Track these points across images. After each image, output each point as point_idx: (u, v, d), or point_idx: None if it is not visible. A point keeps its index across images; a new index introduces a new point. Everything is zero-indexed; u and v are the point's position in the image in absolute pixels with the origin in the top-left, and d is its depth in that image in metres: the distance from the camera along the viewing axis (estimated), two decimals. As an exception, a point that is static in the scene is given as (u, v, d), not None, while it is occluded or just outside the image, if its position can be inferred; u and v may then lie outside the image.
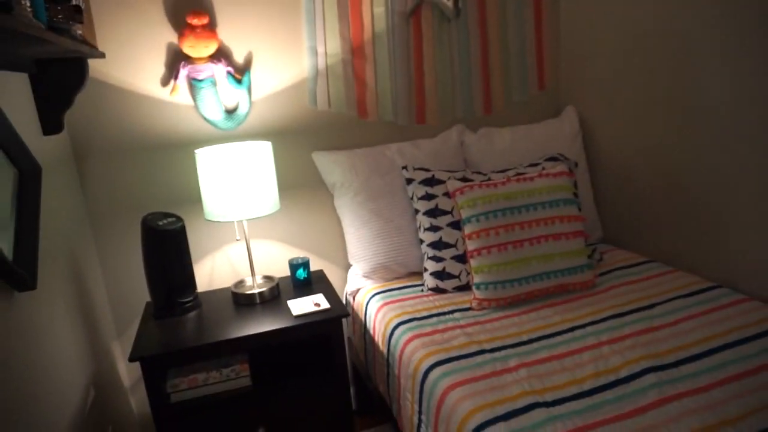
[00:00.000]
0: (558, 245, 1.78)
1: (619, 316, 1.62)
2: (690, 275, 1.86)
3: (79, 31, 1.41)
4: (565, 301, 1.76)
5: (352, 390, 2.33)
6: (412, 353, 1.56)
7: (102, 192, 1.93)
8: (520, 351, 1.48)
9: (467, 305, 1.78)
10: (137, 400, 2.13)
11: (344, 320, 2.14)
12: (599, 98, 2.25)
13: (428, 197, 1.93)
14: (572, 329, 1.57)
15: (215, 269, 2.10)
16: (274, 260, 2.15)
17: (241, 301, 1.85)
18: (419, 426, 1.49)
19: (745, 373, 1.30)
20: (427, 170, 1.99)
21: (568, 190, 1.87)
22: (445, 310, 1.76)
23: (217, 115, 1.97)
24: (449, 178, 1.92)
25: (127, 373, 2.10)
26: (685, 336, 1.49)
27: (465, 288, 1.87)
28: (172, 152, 1.97)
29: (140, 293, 1.98)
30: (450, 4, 2.14)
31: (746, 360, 1.35)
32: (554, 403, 1.25)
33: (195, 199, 1.98)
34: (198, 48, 1.86)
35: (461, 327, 1.64)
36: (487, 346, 1.52)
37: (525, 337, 1.55)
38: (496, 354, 1.48)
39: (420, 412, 1.48)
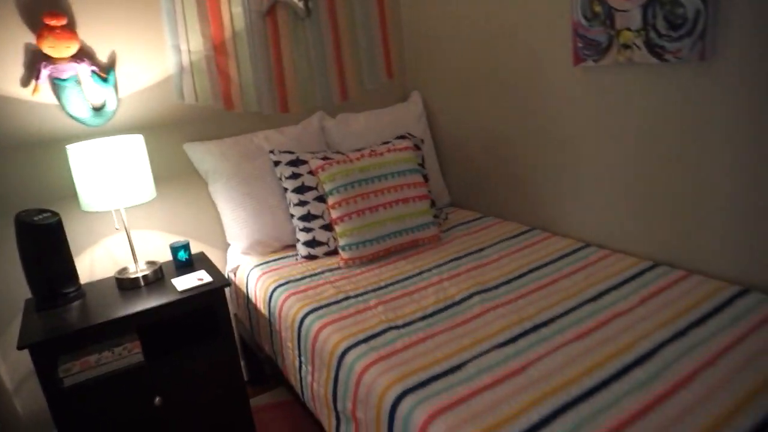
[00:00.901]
0: (407, 207, 2.12)
1: (457, 259, 2.00)
2: (513, 223, 2.31)
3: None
4: (415, 253, 2.11)
5: (243, 363, 2.52)
6: (290, 308, 1.81)
7: (-34, 194, 1.93)
8: (379, 293, 1.80)
9: (336, 265, 2.06)
10: (22, 400, 2.14)
11: (229, 296, 2.34)
12: (440, 84, 2.64)
13: (294, 176, 2.18)
14: (420, 273, 1.92)
15: (97, 261, 2.17)
16: (155, 248, 2.27)
17: (125, 286, 1.97)
18: (300, 367, 1.75)
19: (540, 287, 1.72)
20: (291, 153, 2.23)
21: (413, 161, 2.22)
22: (317, 271, 2.03)
23: (84, 113, 2.04)
24: (312, 158, 2.19)
25: (8, 374, 2.11)
26: (504, 267, 1.89)
27: (333, 253, 2.16)
28: (42, 150, 2.01)
29: (17, 292, 2.00)
30: (301, 4, 2.39)
31: (543, 278, 1.78)
32: (404, 326, 1.58)
33: (70, 194, 2.04)
34: (59, 48, 1.92)
35: (330, 282, 1.92)
36: (352, 294, 1.81)
37: (383, 283, 1.87)
38: (359, 298, 1.78)
39: (300, 355, 1.74)
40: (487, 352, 1.40)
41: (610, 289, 1.66)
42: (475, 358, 1.38)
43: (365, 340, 1.51)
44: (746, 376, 1.19)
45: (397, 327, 1.57)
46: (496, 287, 1.76)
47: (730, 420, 1.08)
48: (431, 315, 1.63)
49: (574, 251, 1.96)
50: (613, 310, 1.53)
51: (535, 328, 1.49)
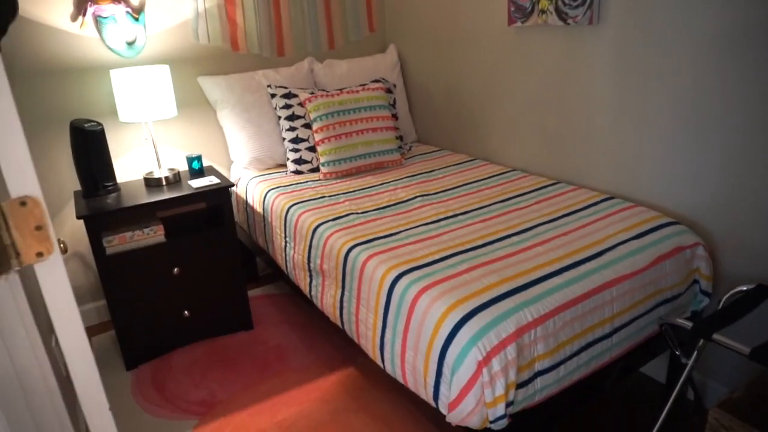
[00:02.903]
0: (376, 135, 2.67)
1: (411, 176, 2.56)
2: (462, 155, 2.87)
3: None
4: (381, 172, 2.67)
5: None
6: (279, 203, 2.38)
7: (27, 106, 2.45)
8: (348, 195, 2.36)
9: (317, 178, 2.62)
10: (70, 270, 2.72)
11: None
12: (412, 39, 3.15)
13: (287, 107, 2.71)
14: (381, 184, 2.49)
15: (128, 166, 2.72)
16: (174, 160, 2.82)
17: (151, 184, 2.52)
18: (285, 246, 2.33)
19: (468, 193, 2.29)
20: (285, 88, 2.76)
21: (384, 99, 2.76)
22: (302, 181, 2.60)
23: (120, 46, 2.56)
24: (301, 93, 2.72)
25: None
26: (446, 181, 2.46)
27: (316, 169, 2.71)
28: (87, 74, 2.53)
29: (66, 187, 2.57)
30: (297, -36, 2.87)
31: (472, 189, 2.35)
32: (362, 213, 2.15)
33: (109, 110, 2.58)
34: (102, -8, 2.43)
35: (312, 188, 2.49)
36: (327, 194, 2.38)
37: (351, 189, 2.44)
38: (332, 198, 2.35)
39: (285, 236, 2.31)
40: (416, 227, 1.98)
41: (518, 196, 2.23)
42: (407, 230, 1.96)
43: (333, 220, 2.09)
44: (582, 241, 1.78)
45: (356, 213, 2.15)
46: (436, 193, 2.33)
47: (559, 261, 1.66)
48: (383, 208, 2.20)
49: (502, 173, 2.53)
50: (515, 207, 2.11)
51: (455, 215, 2.07)
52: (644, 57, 1.94)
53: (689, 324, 1.56)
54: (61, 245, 1.70)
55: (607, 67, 2.08)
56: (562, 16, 2.15)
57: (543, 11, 2.22)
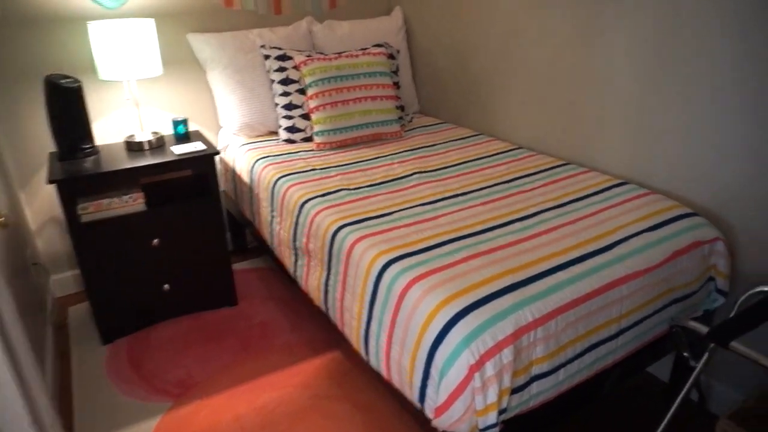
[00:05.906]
0: (374, 104, 2.48)
1: (410, 150, 2.39)
2: (465, 129, 2.69)
3: None
4: (378, 144, 2.49)
5: (229, 236, 2.96)
6: (266, 174, 2.21)
7: None
8: (341, 169, 2.20)
9: (310, 149, 2.45)
10: (43, 241, 2.59)
11: (219, 172, 2.73)
12: (419, 2, 2.92)
13: (281, 70, 2.52)
14: (377, 158, 2.32)
15: (108, 129, 2.55)
16: (158, 123, 2.65)
17: (132, 148, 2.36)
18: (271, 220, 2.18)
19: (469, 172, 2.12)
20: (280, 49, 2.56)
21: (385, 66, 2.56)
22: (294, 151, 2.43)
23: (100, -4, 2.35)
24: (297, 55, 2.52)
25: (33, 218, 2.54)
26: (447, 158, 2.29)
27: (309, 139, 2.54)
28: (62, 25, 2.34)
29: (41, 148, 2.41)
30: None
31: (474, 167, 2.18)
32: (354, 189, 1.99)
33: (88, 66, 2.39)
34: (80, -66, 2.21)
35: (304, 159, 2.32)
36: (319, 167, 2.22)
37: (345, 162, 2.27)
38: (324, 171, 2.18)
39: (272, 210, 2.16)
40: (412, 207, 1.82)
41: (523, 177, 2.06)
42: (401, 210, 1.80)
43: (322, 195, 1.93)
44: (591, 231, 1.62)
45: (348, 189, 1.98)
46: (435, 170, 2.16)
47: (565, 254, 1.51)
48: (377, 184, 2.03)
49: (508, 151, 2.35)
50: (519, 190, 1.95)
51: (455, 196, 1.90)
52: (675, 26, 1.74)
53: (704, 328, 1.42)
54: (1, 219, 1.55)
55: (632, 37, 1.88)
56: (583, -21, 1.94)
57: (562, -26, 2.01)
